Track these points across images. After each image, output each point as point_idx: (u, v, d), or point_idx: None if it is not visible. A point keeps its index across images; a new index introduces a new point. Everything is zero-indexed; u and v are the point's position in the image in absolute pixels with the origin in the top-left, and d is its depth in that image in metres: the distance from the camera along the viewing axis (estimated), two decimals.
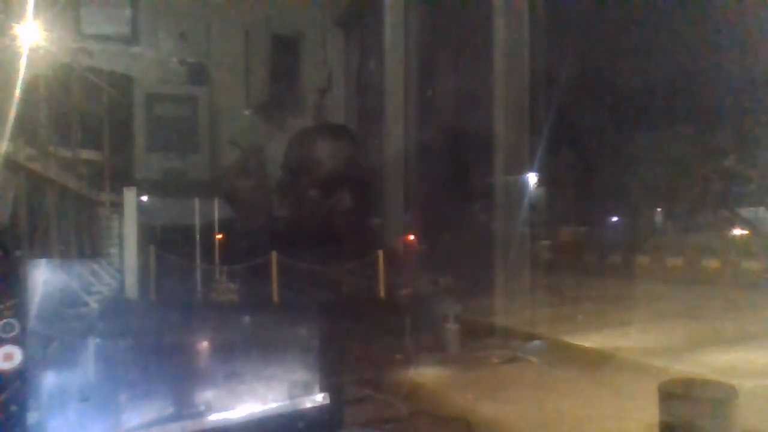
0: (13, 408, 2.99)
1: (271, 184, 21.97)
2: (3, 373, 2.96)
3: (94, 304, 9.67)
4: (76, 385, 4.03)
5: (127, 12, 21.47)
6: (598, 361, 6.90)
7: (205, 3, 22.59)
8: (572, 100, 15.88)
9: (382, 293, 12.28)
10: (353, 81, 25.44)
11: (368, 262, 12.70)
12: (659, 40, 14.77)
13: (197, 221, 13.61)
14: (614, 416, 5.20)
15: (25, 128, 9.39)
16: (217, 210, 14.27)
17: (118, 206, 13.58)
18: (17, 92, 8.14)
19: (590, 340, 7.65)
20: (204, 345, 5.74)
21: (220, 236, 13.84)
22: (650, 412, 4.42)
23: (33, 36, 8.92)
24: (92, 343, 4.69)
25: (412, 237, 16.80)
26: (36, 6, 8.75)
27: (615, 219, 18.83)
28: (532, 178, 13.60)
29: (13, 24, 8.67)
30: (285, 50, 24.68)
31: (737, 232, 14.29)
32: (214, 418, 3.83)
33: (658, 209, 17.64)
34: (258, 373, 4.44)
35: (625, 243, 16.31)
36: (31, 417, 3.21)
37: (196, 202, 13.79)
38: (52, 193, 10.96)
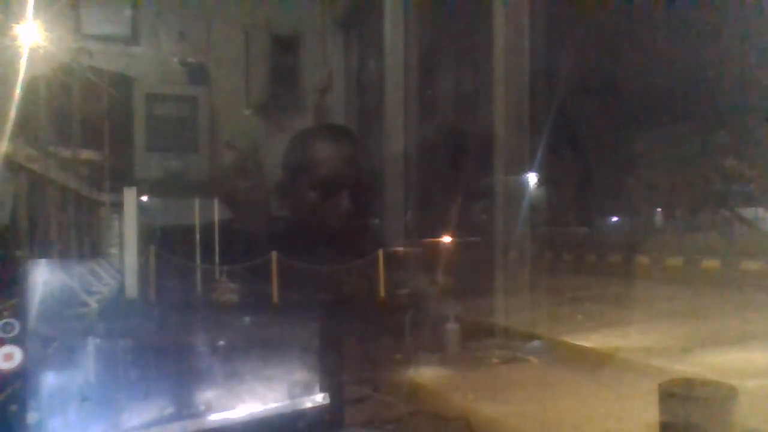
0: (13, 408, 2.99)
1: (271, 184, 21.95)
2: (3, 373, 2.96)
3: (94, 304, 9.66)
4: (76, 385, 4.03)
5: (127, 12, 21.43)
6: (598, 361, 6.90)
7: (205, 3, 22.57)
8: (572, 100, 15.87)
9: (382, 293, 12.28)
10: (353, 81, 25.43)
11: (368, 262, 12.70)
12: (659, 39, 14.77)
13: (197, 221, 13.60)
14: (614, 416, 5.20)
15: (25, 128, 9.38)
16: (218, 210, 14.25)
17: (118, 206, 13.56)
18: (17, 92, 8.14)
19: (590, 340, 7.65)
20: (204, 345, 5.74)
21: (220, 236, 13.83)
22: (650, 412, 4.43)
23: (33, 36, 8.91)
24: (92, 343, 4.68)
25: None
26: (36, 6, 8.75)
27: (615, 219, 18.83)
28: (532, 178, 13.60)
29: (13, 24, 8.67)
30: (285, 50, 24.64)
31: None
32: (214, 418, 3.83)
33: (658, 209, 17.64)
34: (258, 373, 4.44)
35: (625, 243, 16.30)
36: (31, 417, 3.21)
37: (196, 202, 13.78)
38: (52, 193, 10.95)
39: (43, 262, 8.34)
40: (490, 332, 8.85)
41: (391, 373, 6.93)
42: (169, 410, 3.87)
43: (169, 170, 20.96)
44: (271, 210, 21.40)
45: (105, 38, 19.88)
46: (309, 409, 4.07)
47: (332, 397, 4.17)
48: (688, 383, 4.43)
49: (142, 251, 12.52)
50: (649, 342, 7.43)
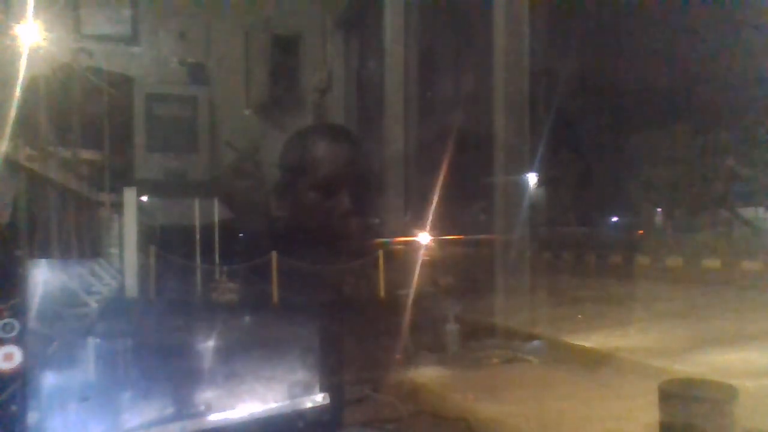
0: (13, 408, 2.99)
1: (271, 184, 21.96)
2: (3, 373, 2.96)
3: (94, 304, 9.67)
4: (76, 385, 4.02)
5: (127, 12, 21.44)
6: (598, 361, 6.90)
7: (205, 3, 22.58)
8: (572, 100, 15.88)
9: (382, 293, 12.29)
10: (353, 81, 25.43)
11: (368, 262, 12.71)
12: (659, 39, 14.77)
13: (197, 221, 13.61)
14: (614, 416, 5.20)
15: (25, 128, 9.38)
16: (217, 210, 14.27)
17: (118, 206, 13.57)
18: (17, 92, 8.14)
19: (590, 340, 7.65)
20: (204, 345, 5.74)
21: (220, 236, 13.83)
22: (650, 412, 4.42)
23: (33, 36, 8.91)
24: (92, 343, 4.68)
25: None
26: (36, 6, 8.75)
27: (615, 219, 18.83)
28: (532, 178, 13.60)
29: (13, 24, 8.67)
30: (285, 50, 24.66)
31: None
32: (214, 418, 3.83)
33: (658, 209, 17.64)
34: (258, 373, 4.44)
35: (625, 243, 16.30)
36: (31, 417, 3.21)
37: (196, 202, 13.79)
38: (52, 193, 10.96)
39: (43, 262, 8.35)
40: (490, 332, 8.85)
41: (391, 373, 6.93)
42: (169, 410, 3.87)
43: (169, 170, 20.97)
44: (270, 210, 21.41)
45: (105, 38, 19.89)
46: (309, 409, 4.07)
47: (332, 397, 4.17)
48: (688, 383, 4.44)
49: (142, 251, 12.52)
50: (649, 342, 7.44)
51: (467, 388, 6.34)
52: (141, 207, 13.48)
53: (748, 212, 14.73)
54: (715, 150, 14.86)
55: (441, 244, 17.68)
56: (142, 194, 14.31)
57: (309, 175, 19.80)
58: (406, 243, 17.54)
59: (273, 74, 23.96)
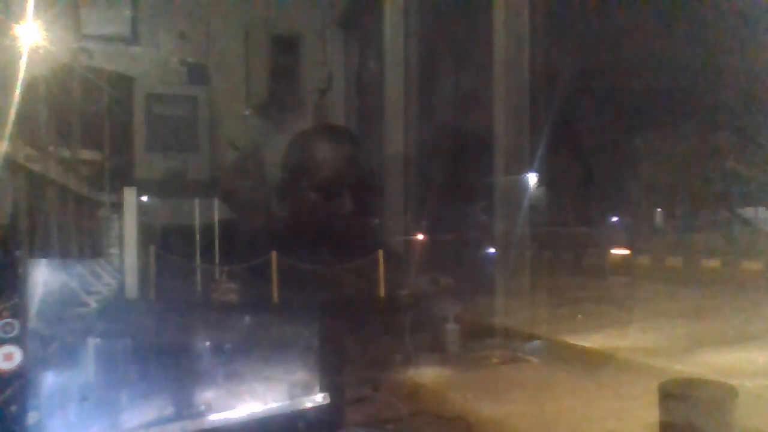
0: (13, 408, 2.99)
1: (271, 184, 21.96)
2: (3, 373, 2.96)
3: (94, 304, 9.67)
4: (76, 385, 4.03)
5: (127, 12, 21.44)
6: (597, 361, 6.91)
7: (205, 3, 22.58)
8: (572, 100, 15.87)
9: (382, 293, 12.28)
10: (353, 81, 25.44)
11: (368, 262, 12.71)
12: (659, 39, 14.77)
13: (197, 221, 13.60)
14: (614, 416, 5.21)
15: (25, 128, 9.37)
16: (217, 210, 14.27)
17: (118, 206, 13.57)
18: (17, 92, 8.14)
19: (590, 340, 7.65)
20: (204, 345, 5.74)
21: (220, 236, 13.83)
22: (650, 412, 4.43)
23: (33, 36, 8.91)
24: (92, 343, 4.68)
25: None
26: (36, 6, 8.74)
27: (615, 219, 18.82)
28: (532, 178, 13.60)
29: (13, 24, 8.67)
30: (285, 50, 24.66)
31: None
32: (214, 418, 3.83)
33: (658, 209, 17.63)
34: (258, 373, 4.44)
35: (626, 243, 16.30)
36: (31, 417, 3.21)
37: (196, 202, 13.79)
38: (52, 193, 10.95)
39: (43, 262, 8.35)
40: (489, 332, 8.85)
41: (391, 373, 6.94)
42: (169, 410, 3.87)
43: (169, 170, 20.97)
44: (271, 210, 21.43)
45: (105, 38, 19.88)
46: (309, 409, 4.08)
47: (332, 397, 4.17)
48: (688, 383, 4.44)
49: (142, 251, 12.53)
50: (649, 342, 7.44)
51: (467, 387, 6.35)
52: (141, 207, 13.48)
53: (748, 212, 14.72)
54: (715, 150, 14.85)
55: (441, 244, 17.69)
56: (142, 194, 14.31)
57: (310, 175, 19.82)
58: (405, 242, 17.54)
59: (273, 74, 23.95)
